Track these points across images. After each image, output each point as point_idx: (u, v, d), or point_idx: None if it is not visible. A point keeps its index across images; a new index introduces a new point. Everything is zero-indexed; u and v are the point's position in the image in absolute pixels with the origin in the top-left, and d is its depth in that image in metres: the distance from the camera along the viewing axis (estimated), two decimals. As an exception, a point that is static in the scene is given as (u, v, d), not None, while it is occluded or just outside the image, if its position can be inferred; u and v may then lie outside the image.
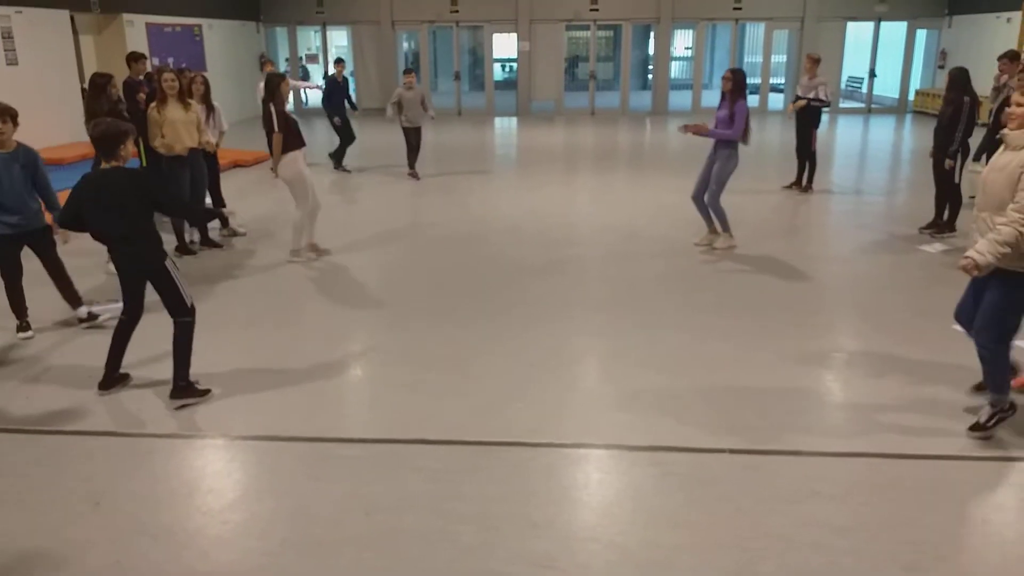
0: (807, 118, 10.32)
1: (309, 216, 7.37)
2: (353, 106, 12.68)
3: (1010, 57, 8.59)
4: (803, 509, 3.51)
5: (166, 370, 4.68)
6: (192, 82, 7.83)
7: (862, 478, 3.78)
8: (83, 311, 5.76)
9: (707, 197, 7.52)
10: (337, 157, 12.47)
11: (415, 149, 11.75)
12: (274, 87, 7.07)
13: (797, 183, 10.57)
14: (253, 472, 3.93)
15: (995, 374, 4.10)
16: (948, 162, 7.85)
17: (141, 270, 4.53)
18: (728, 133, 7.28)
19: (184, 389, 4.58)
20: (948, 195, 8.11)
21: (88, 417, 4.43)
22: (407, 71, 11.85)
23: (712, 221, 7.70)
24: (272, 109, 7.00)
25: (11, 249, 5.40)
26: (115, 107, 7.27)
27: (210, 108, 8.03)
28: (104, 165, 4.38)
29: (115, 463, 3.96)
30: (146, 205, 4.43)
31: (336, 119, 12.26)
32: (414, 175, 11.76)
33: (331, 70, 12.96)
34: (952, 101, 7.75)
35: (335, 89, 12.33)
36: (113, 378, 4.71)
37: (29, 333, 5.54)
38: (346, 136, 12.34)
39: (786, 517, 3.45)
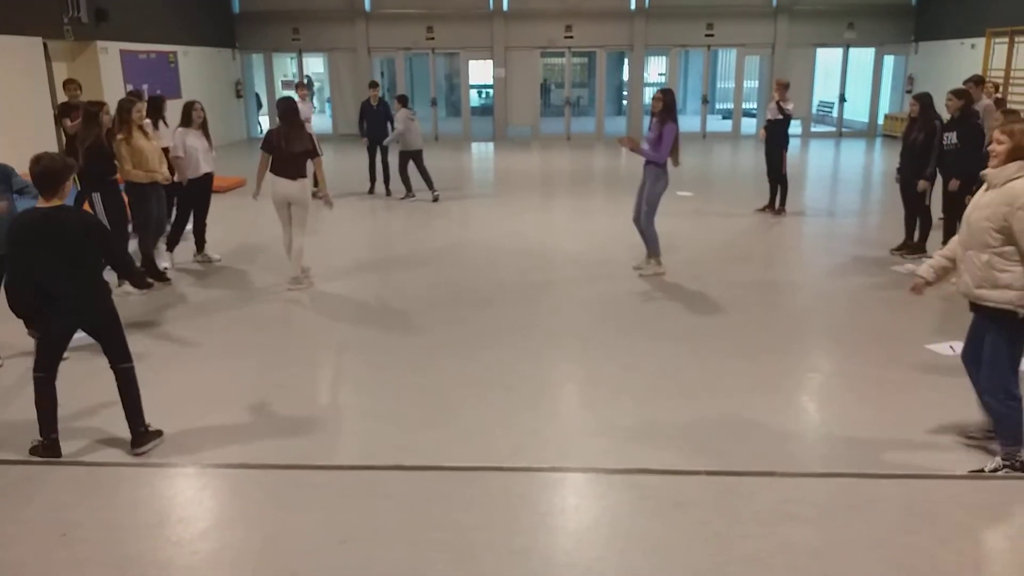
0: (775, 139, 10.46)
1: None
2: (392, 129, 12.21)
3: (975, 81, 8.80)
4: (779, 531, 3.50)
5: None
6: (193, 109, 7.98)
7: (838, 499, 3.78)
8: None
9: (641, 219, 7.57)
10: (385, 181, 12.36)
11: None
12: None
13: (770, 206, 10.69)
14: (224, 500, 3.86)
15: (1008, 427, 3.96)
16: (923, 183, 7.97)
17: (86, 322, 4.24)
18: (652, 154, 7.33)
19: (143, 435, 4.32)
20: (918, 216, 8.24)
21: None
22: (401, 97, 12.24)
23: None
24: (312, 132, 7.03)
25: None
26: (107, 135, 7.04)
27: (206, 132, 8.10)
28: (43, 204, 4.04)
29: (83, 493, 3.87)
30: (99, 250, 4.16)
31: (366, 141, 12.15)
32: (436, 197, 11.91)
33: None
34: (924, 126, 7.91)
35: (368, 113, 12.14)
36: (54, 441, 4.23)
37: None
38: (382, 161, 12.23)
39: (762, 540, 3.44)
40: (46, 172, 4.02)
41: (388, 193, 12.24)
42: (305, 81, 12.78)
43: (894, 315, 6.55)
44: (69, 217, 4.07)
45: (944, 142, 7.75)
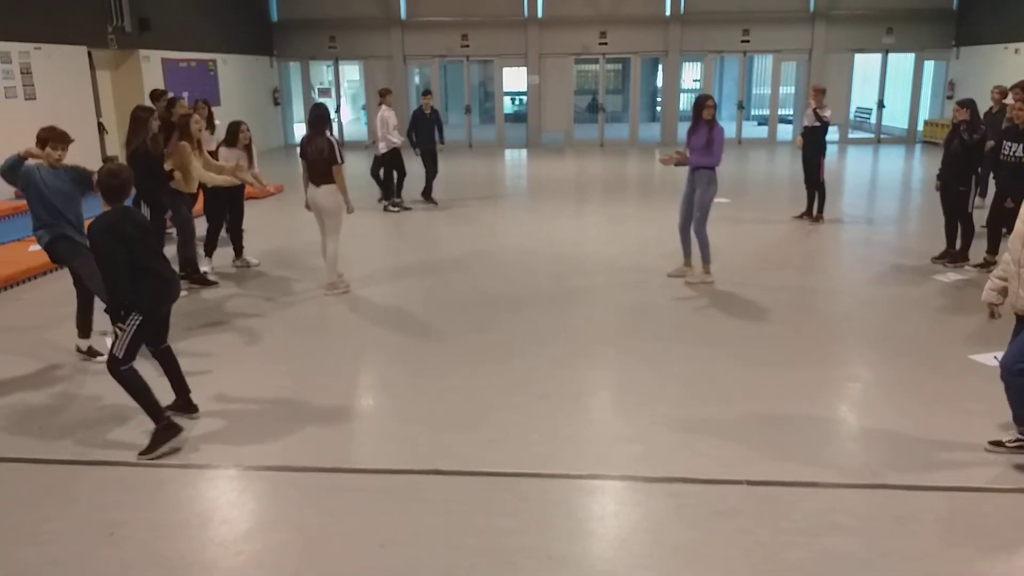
0: (812, 147, 10.34)
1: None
2: (441, 139, 12.28)
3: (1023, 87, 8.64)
4: (822, 542, 3.46)
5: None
6: (240, 131, 8.09)
7: (882, 510, 3.72)
8: (84, 344, 5.75)
9: (694, 225, 7.50)
10: (426, 192, 12.36)
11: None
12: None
13: (808, 213, 10.57)
14: (266, 503, 3.91)
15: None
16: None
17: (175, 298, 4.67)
18: (707, 159, 7.28)
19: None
20: (960, 224, 8.09)
21: (102, 448, 4.42)
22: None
23: (690, 254, 7.68)
24: (332, 139, 7.13)
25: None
26: (154, 140, 7.09)
27: (250, 153, 8.24)
28: (108, 208, 4.33)
29: (128, 493, 3.94)
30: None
31: (418, 151, 12.15)
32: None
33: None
34: (974, 130, 7.76)
35: (420, 121, 12.08)
36: (169, 420, 4.42)
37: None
38: (431, 168, 12.25)
39: (806, 550, 3.40)
40: (126, 184, 4.42)
41: (433, 202, 12.27)
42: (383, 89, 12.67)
43: (935, 324, 6.43)
44: (133, 213, 4.60)
45: (1004, 152, 7.47)
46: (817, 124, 10.20)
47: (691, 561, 3.35)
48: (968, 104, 7.91)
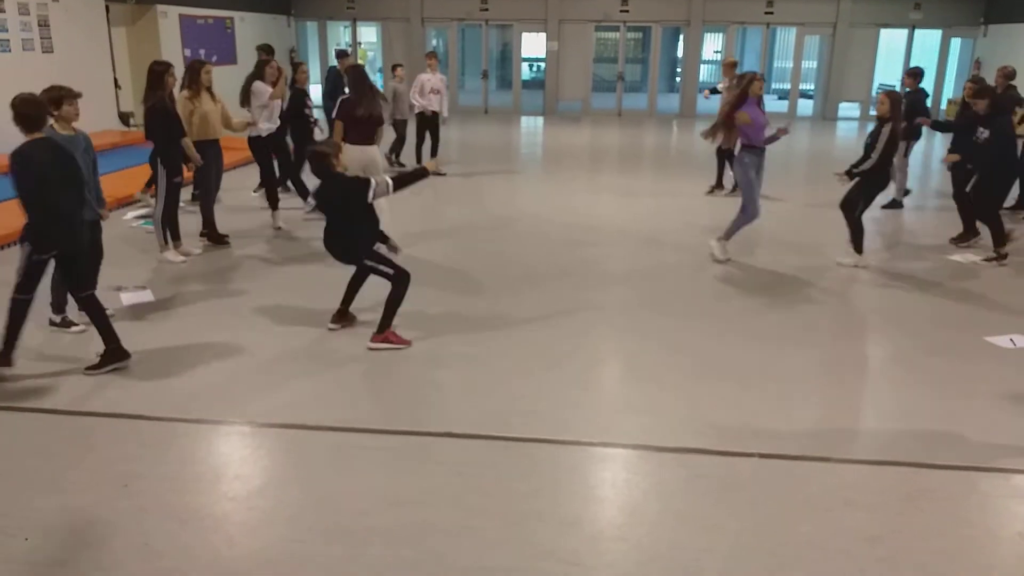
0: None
1: None
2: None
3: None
4: (834, 517, 3.46)
5: (190, 358, 4.71)
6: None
7: (894, 487, 3.72)
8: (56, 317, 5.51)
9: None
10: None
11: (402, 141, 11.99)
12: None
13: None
14: (279, 460, 3.94)
15: None
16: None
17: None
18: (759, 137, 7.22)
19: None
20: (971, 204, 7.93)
21: (115, 401, 4.45)
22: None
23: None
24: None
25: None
26: (170, 97, 6.98)
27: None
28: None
29: (144, 446, 3.98)
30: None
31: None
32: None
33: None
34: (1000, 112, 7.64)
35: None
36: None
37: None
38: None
39: (817, 525, 3.41)
40: (41, 113, 4.54)
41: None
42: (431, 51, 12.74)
43: (954, 305, 6.38)
44: (57, 146, 4.63)
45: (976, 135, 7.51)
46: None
47: (701, 531, 3.36)
48: (978, 81, 7.80)
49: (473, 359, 5.14)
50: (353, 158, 7.09)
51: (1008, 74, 9.09)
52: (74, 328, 5.38)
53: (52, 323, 5.42)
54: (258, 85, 8.08)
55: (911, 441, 4.14)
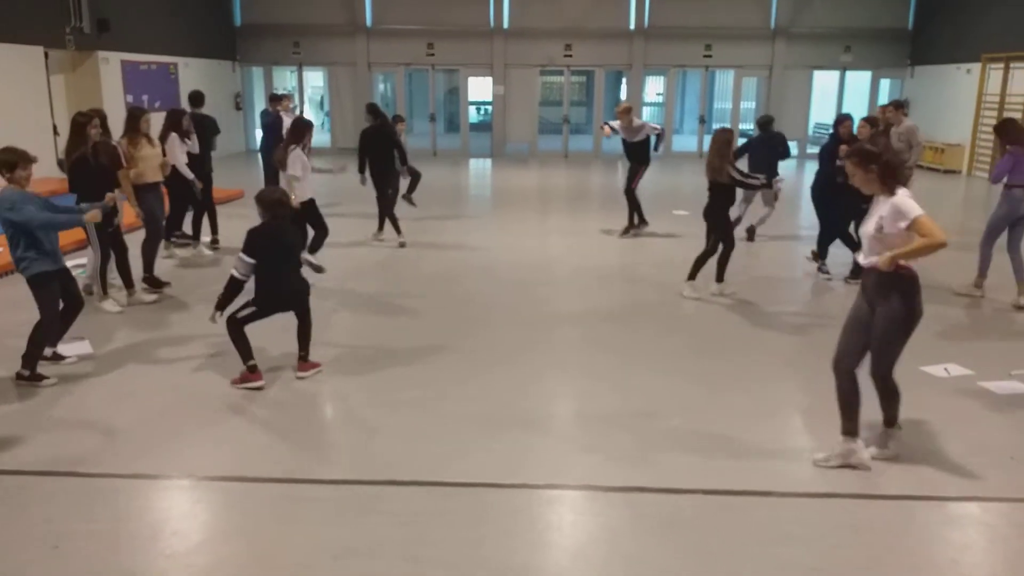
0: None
1: None
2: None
3: (895, 105, 9.66)
4: (776, 551, 3.50)
5: (126, 410, 4.58)
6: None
7: (836, 520, 3.78)
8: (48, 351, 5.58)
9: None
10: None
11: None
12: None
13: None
14: (219, 513, 3.84)
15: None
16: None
17: None
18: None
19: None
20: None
21: (47, 458, 4.30)
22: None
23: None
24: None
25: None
26: (94, 149, 6.81)
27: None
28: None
29: (76, 504, 3.85)
30: None
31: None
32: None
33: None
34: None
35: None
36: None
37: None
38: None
39: (759, 561, 3.43)
40: None
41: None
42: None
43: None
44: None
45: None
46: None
47: (648, 572, 3.36)
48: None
49: (417, 404, 5.10)
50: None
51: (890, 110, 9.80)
52: (67, 360, 5.64)
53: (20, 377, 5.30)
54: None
55: (852, 473, 4.21)
